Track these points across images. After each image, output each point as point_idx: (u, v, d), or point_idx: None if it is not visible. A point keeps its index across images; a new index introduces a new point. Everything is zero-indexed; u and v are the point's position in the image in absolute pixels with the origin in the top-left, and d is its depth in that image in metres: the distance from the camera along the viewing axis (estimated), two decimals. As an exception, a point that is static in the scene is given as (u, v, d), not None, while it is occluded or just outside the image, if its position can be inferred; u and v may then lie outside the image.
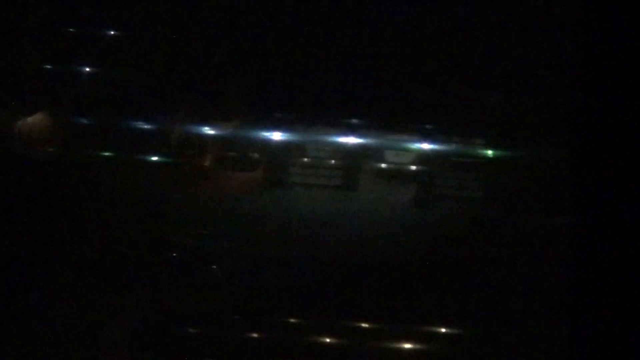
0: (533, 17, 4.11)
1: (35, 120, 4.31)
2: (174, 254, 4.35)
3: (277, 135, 4.31)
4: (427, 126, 4.32)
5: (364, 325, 4.27)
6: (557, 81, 4.06)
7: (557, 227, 4.08)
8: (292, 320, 4.27)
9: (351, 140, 4.32)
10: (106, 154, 4.28)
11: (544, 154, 4.21)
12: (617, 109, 3.82)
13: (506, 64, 4.19)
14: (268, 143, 4.35)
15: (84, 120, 4.29)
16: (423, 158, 4.39)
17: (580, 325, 3.89)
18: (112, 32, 4.30)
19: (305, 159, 4.41)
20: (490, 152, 4.35)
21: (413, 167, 4.40)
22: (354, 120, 4.31)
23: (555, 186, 4.11)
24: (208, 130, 4.34)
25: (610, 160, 3.79)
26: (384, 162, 4.39)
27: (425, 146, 4.33)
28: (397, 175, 4.39)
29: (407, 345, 4.25)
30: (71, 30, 4.26)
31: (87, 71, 4.31)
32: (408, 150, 4.37)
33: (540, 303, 4.07)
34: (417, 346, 4.25)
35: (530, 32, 4.11)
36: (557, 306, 4.00)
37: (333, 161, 4.42)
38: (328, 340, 4.26)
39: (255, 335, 4.26)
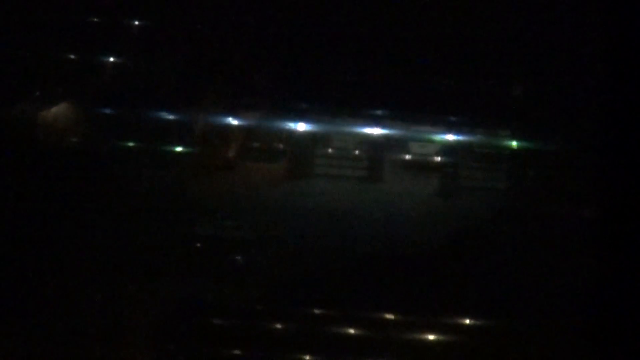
0: (559, 11, 4.08)
1: (59, 110, 4.30)
2: (198, 244, 4.32)
3: (301, 126, 4.30)
4: (452, 117, 4.30)
5: (389, 316, 4.23)
6: (585, 71, 4.04)
7: (585, 220, 4.06)
8: (317, 311, 4.25)
9: (376, 131, 4.32)
10: (131, 144, 4.26)
11: (571, 145, 4.18)
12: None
13: (533, 55, 4.16)
14: (292, 134, 4.34)
15: (109, 111, 4.26)
16: (448, 149, 4.37)
17: (605, 318, 3.90)
18: (138, 22, 4.27)
19: (330, 150, 4.39)
20: (515, 144, 4.32)
21: (438, 159, 4.38)
22: (379, 112, 4.30)
23: (582, 178, 4.09)
24: (233, 121, 4.32)
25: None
26: (409, 153, 4.37)
27: (451, 137, 4.32)
28: (422, 166, 4.36)
29: (432, 337, 4.22)
30: (96, 19, 4.23)
31: (113, 61, 4.30)
32: (433, 142, 4.35)
33: (566, 296, 4.03)
34: (442, 337, 4.22)
35: (558, 24, 4.08)
36: (583, 299, 3.98)
37: (358, 152, 4.40)
38: (352, 331, 4.22)
39: (279, 326, 4.22)
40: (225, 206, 4.35)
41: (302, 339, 4.25)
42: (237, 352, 4.23)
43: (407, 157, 4.37)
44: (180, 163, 4.33)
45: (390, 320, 4.24)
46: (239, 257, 4.33)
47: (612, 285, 3.89)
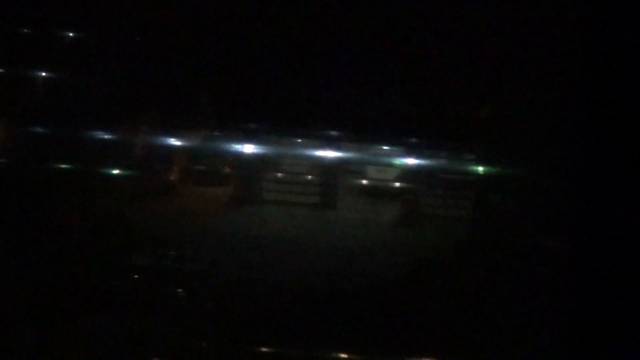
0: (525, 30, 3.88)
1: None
2: (135, 276, 4.05)
3: (248, 148, 4.04)
4: (413, 140, 4.06)
5: (342, 356, 3.98)
6: (556, 92, 3.82)
7: (555, 251, 3.82)
8: (265, 349, 3.98)
9: (330, 154, 4.06)
10: (61, 166, 4.00)
11: (541, 171, 3.95)
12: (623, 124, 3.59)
13: (498, 73, 3.93)
14: (239, 156, 4.09)
15: (37, 130, 3.99)
16: (408, 174, 4.14)
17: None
18: (70, 34, 4.00)
19: (280, 174, 4.16)
20: (481, 169, 4.09)
21: (398, 184, 4.14)
22: (334, 133, 4.05)
23: (552, 207, 3.85)
24: (174, 142, 4.06)
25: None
26: (366, 178, 4.15)
27: (411, 161, 4.08)
28: (380, 193, 4.13)
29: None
30: (24, 30, 3.96)
31: (42, 76, 4.03)
32: (392, 166, 4.12)
33: (537, 334, 3.79)
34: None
35: (528, 42, 3.88)
36: (555, 337, 3.74)
37: (310, 177, 4.17)
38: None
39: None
40: (165, 235, 4.08)
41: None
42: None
43: (364, 182, 4.14)
44: (115, 187, 4.06)
45: (345, 360, 4.00)
46: (180, 291, 4.05)
47: (586, 322, 3.65)
